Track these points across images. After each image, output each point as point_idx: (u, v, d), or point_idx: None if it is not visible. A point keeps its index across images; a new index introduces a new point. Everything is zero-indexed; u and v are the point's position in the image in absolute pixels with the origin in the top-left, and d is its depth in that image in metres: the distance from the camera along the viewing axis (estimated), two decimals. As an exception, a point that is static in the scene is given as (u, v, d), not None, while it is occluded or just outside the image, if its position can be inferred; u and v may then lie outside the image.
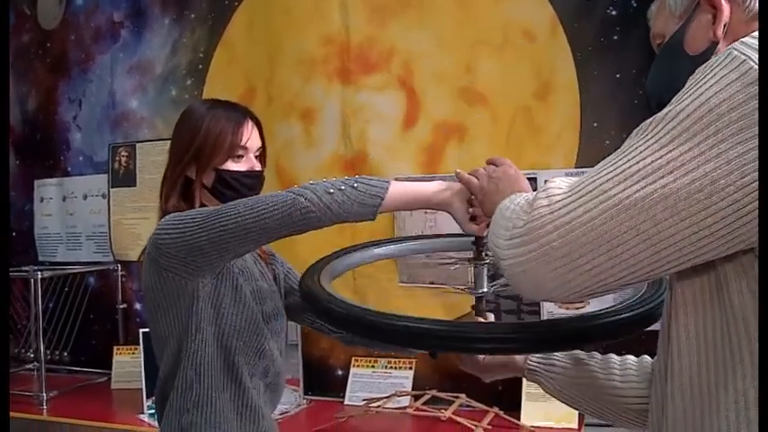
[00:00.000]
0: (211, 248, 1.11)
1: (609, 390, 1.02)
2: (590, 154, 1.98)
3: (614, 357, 1.06)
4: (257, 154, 1.29)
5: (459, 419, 1.88)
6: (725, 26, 0.77)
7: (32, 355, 2.63)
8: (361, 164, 2.25)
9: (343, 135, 2.29)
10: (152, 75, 2.70)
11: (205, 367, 1.20)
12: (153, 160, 2.63)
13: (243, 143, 1.25)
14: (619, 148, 0.67)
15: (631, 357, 1.05)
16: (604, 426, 1.95)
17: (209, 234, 1.08)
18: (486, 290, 1.13)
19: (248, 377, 1.24)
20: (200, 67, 2.59)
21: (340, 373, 2.27)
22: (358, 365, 2.15)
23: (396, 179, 1.12)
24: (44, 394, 2.34)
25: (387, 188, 1.08)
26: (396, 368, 2.16)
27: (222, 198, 1.24)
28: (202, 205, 1.24)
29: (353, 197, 1.06)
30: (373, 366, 2.19)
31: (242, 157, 1.26)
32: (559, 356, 1.09)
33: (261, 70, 2.44)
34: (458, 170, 1.09)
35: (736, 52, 0.63)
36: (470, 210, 1.08)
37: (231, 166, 1.25)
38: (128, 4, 2.74)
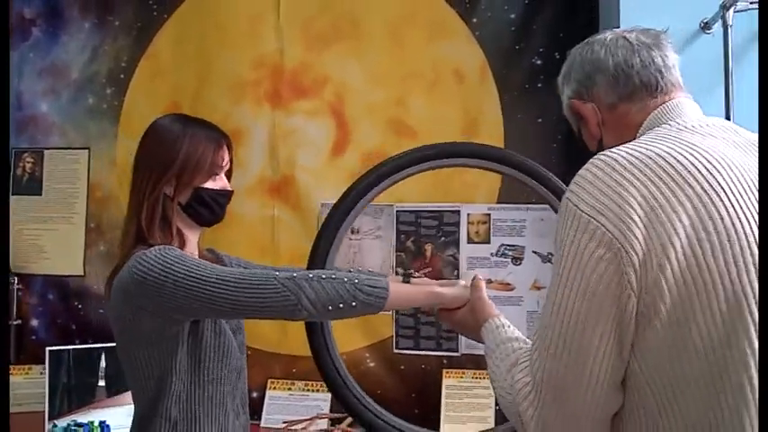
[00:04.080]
0: (198, 314, 1.20)
1: None
2: (511, 191, 2.17)
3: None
4: (226, 172, 1.38)
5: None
6: (599, 124, 0.93)
7: None
8: (287, 187, 2.35)
9: (271, 158, 2.38)
10: (67, 80, 2.67)
11: (191, 405, 1.24)
12: (63, 169, 2.62)
13: (222, 164, 1.33)
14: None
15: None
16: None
17: (200, 305, 1.15)
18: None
19: (231, 405, 1.30)
20: (122, 76, 2.60)
21: (255, 395, 2.30)
22: (274, 387, 2.21)
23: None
24: None
25: (383, 303, 1.19)
26: (313, 390, 2.24)
27: (196, 217, 1.32)
28: (177, 228, 1.30)
29: (350, 312, 1.18)
30: (290, 389, 2.26)
31: (218, 175, 1.34)
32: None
33: (187, 87, 2.49)
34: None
35: (569, 204, 0.80)
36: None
37: (208, 184, 1.32)
38: (41, 2, 2.70)
